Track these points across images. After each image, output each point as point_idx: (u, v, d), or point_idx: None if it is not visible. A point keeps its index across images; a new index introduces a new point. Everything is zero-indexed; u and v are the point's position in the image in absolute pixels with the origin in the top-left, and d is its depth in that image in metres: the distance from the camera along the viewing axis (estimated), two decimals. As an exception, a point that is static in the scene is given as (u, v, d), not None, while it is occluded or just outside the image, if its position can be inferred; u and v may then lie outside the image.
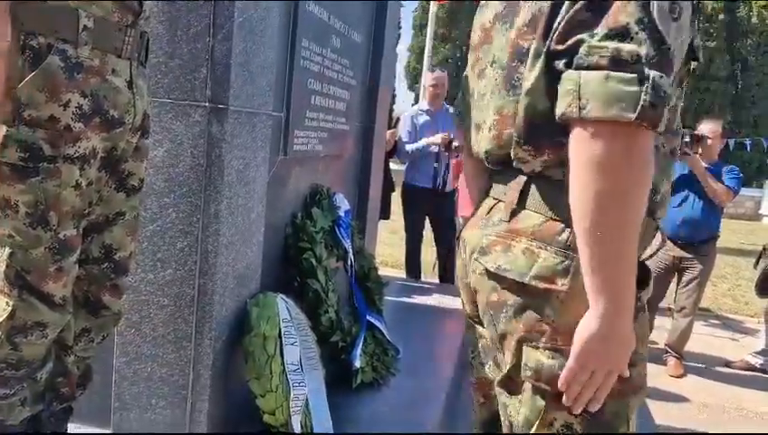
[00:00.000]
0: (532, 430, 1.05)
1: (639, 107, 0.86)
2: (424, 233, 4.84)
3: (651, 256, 1.15)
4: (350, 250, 2.49)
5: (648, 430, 3.07)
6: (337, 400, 2.02)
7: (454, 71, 24.80)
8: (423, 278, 4.90)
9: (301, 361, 1.83)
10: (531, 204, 1.06)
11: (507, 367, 1.08)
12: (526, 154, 1.11)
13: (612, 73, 0.88)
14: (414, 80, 24.48)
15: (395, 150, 4.56)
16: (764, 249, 4.30)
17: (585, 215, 0.92)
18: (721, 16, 22.69)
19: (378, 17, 3.03)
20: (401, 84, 27.79)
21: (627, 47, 0.88)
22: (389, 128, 4.15)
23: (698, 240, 3.94)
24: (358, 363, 2.17)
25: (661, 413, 3.32)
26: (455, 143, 4.41)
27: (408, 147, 4.57)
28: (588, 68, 0.90)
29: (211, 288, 1.64)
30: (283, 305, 1.84)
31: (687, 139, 3.80)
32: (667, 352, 4.12)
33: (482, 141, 1.17)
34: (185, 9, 1.57)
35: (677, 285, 4.13)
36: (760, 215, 15.61)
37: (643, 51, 0.88)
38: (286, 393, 1.71)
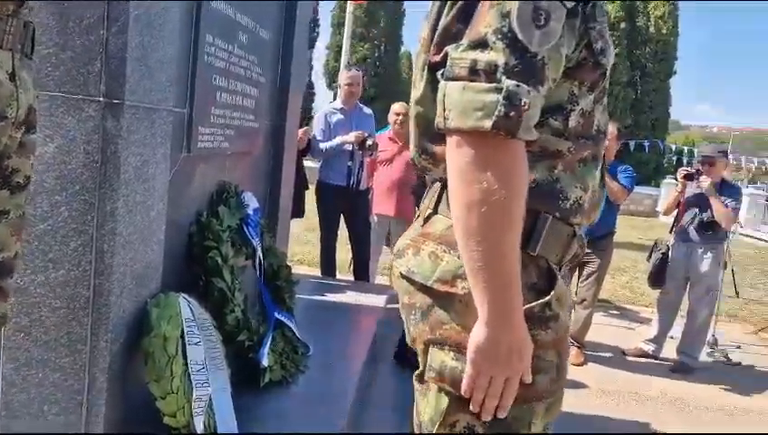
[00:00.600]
0: (434, 430, 1.06)
1: (494, 116, 0.87)
2: (339, 231, 4.86)
3: (571, 261, 1.13)
4: (259, 249, 2.47)
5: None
6: (244, 399, 2.00)
7: (372, 70, 24.99)
8: (339, 276, 4.92)
9: (205, 360, 1.81)
10: (442, 209, 1.08)
11: (420, 367, 1.10)
12: (427, 163, 1.15)
13: (469, 84, 0.89)
14: (332, 78, 24.42)
15: (309, 148, 4.55)
16: (656, 244, 4.61)
17: (457, 221, 0.94)
18: (623, 25, 24.02)
19: (287, 14, 3.01)
20: (320, 82, 27.67)
21: (484, 57, 0.89)
22: (303, 126, 4.14)
23: (596, 236, 4.16)
24: (265, 362, 2.16)
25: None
26: (368, 142, 4.47)
27: (322, 145, 4.58)
28: (452, 79, 0.92)
29: (107, 289, 1.59)
30: (186, 305, 1.81)
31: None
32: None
33: (411, 150, 1.19)
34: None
35: (578, 278, 4.36)
36: (657, 212, 16.64)
37: (501, 60, 0.88)
38: (188, 395, 1.68)
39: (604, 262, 4.34)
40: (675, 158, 24.59)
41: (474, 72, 0.90)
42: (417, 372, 1.12)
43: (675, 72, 26.06)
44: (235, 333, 2.09)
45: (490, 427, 1.02)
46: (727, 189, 4.34)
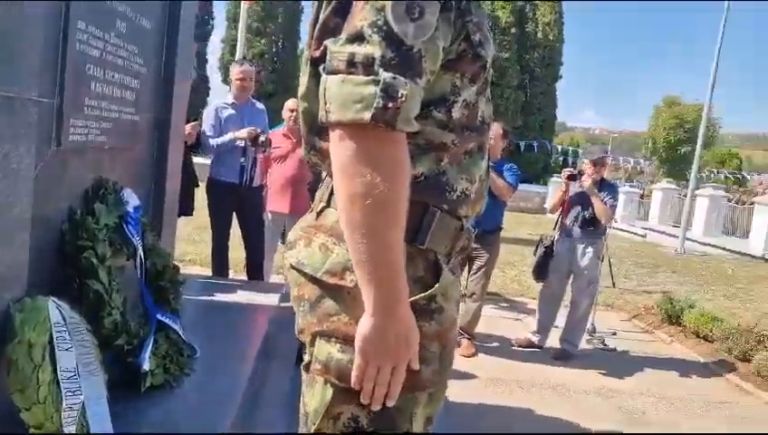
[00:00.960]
0: (317, 421, 1.06)
1: (373, 108, 0.88)
2: (231, 230, 4.74)
3: (460, 254, 1.15)
4: (140, 248, 2.35)
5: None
6: (124, 405, 1.90)
7: (270, 66, 24.59)
8: (232, 276, 4.80)
9: (77, 367, 1.70)
10: (334, 202, 1.08)
11: (307, 358, 1.10)
12: (316, 158, 1.15)
13: (347, 77, 0.90)
14: (227, 72, 23.81)
15: (199, 144, 4.40)
16: (541, 239, 4.86)
17: (342, 214, 0.94)
18: (513, 30, 25.12)
19: (170, 12, 2.88)
20: (215, 76, 26.86)
21: (361, 50, 0.90)
22: (190, 120, 3.99)
23: (484, 231, 4.33)
24: (147, 366, 2.06)
25: (449, 391, 3.60)
26: (261, 138, 4.39)
27: (213, 141, 4.45)
28: (332, 72, 0.92)
29: (-39, 293, 1.45)
30: (55, 308, 1.69)
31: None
32: (459, 334, 4.49)
33: (302, 147, 1.19)
34: None
35: (468, 272, 4.51)
36: (545, 209, 17.58)
37: (377, 53, 0.90)
38: (57, 404, 1.57)
39: (492, 256, 4.52)
40: (561, 158, 26.08)
41: (352, 65, 0.91)
42: (303, 362, 1.12)
43: (560, 77, 27.64)
44: (112, 337, 1.98)
45: (374, 418, 1.03)
46: (606, 188, 4.65)
